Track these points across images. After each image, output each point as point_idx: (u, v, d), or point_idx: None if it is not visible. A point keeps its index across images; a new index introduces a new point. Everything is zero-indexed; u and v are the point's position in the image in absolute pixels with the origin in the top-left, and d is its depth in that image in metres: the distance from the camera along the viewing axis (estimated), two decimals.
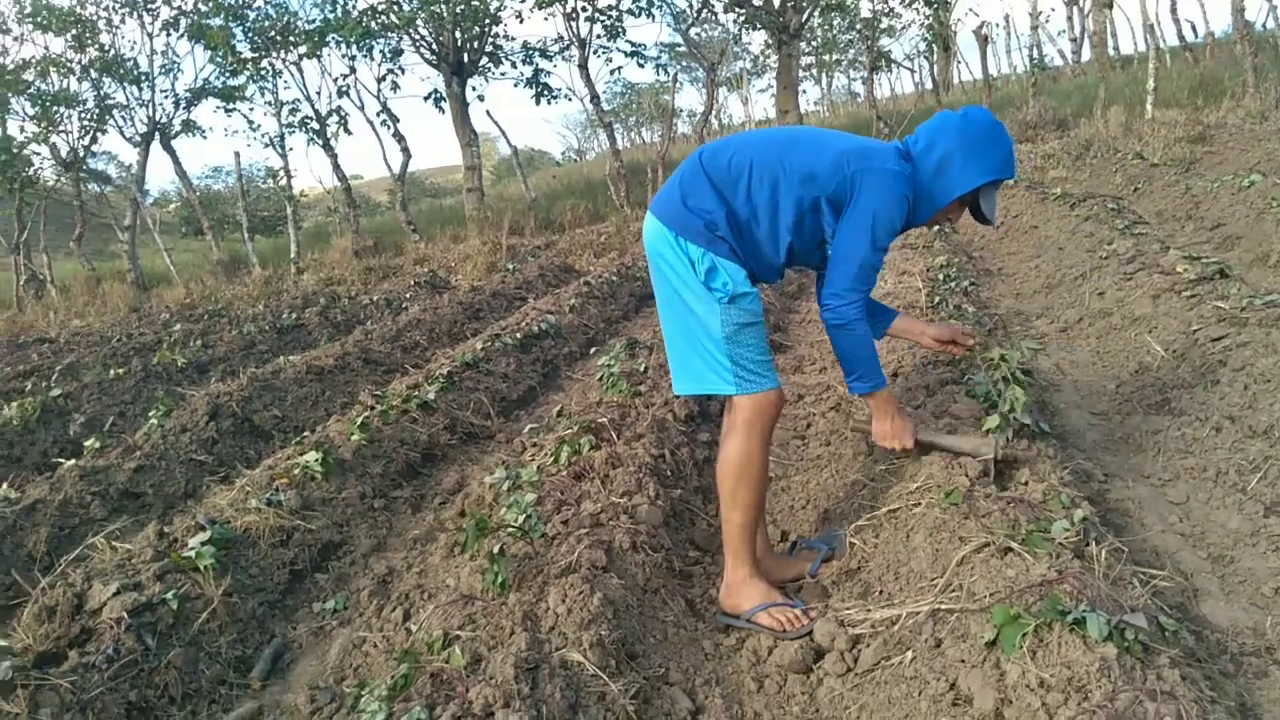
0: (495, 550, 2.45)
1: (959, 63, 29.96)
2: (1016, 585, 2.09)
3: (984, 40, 20.05)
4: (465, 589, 2.64)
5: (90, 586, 2.76)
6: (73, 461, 4.29)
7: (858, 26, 20.40)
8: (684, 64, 27.85)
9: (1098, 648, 1.80)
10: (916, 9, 16.84)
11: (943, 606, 2.19)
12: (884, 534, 2.77)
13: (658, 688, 2.31)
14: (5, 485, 4.06)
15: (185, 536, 3.10)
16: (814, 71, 36.09)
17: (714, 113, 20.31)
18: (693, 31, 17.71)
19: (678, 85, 17.59)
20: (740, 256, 2.50)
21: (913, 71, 34.43)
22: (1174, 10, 21.76)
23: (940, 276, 5.92)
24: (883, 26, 19.39)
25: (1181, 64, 18.93)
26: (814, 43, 28.35)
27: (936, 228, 8.42)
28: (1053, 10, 43.77)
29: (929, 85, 27.55)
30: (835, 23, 25.33)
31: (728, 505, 2.60)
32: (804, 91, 45.89)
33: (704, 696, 2.31)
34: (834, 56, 31.85)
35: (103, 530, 3.57)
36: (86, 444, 4.59)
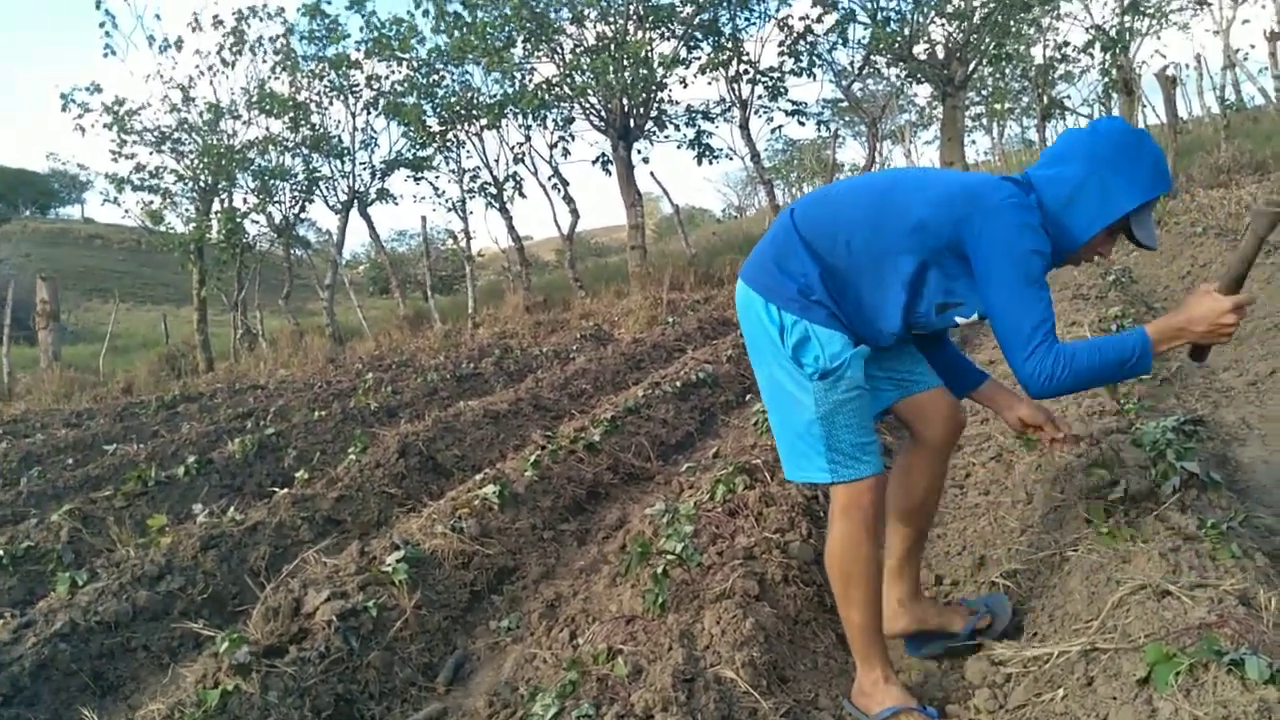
0: (659, 571, 2.65)
1: (1144, 106, 28.39)
2: (1173, 627, 2.07)
3: (1170, 82, 19.00)
4: (627, 611, 2.84)
5: (305, 593, 3.17)
6: (285, 490, 4.86)
7: (1030, 75, 19.83)
8: (846, 119, 27.86)
9: (1257, 689, 1.78)
10: (1092, 54, 16.25)
11: (1096, 646, 2.19)
12: (1040, 578, 2.77)
13: (807, 711, 2.42)
14: (231, 509, 4.65)
15: (382, 555, 3.49)
16: (984, 121, 35.14)
17: (876, 166, 20.23)
18: (855, 87, 17.85)
19: (840, 140, 17.68)
20: (842, 321, 2.22)
21: (1090, 118, 32.86)
22: None
23: (1113, 328, 5.70)
24: (1059, 73, 18.78)
25: None
26: (983, 92, 27.70)
27: (1103, 268, 8.03)
28: (1252, 47, 40.34)
29: None
30: (1006, 71, 24.73)
31: (843, 604, 2.34)
32: (973, 142, 44.61)
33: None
34: (1005, 105, 30.92)
35: (310, 550, 4.04)
36: (297, 475, 5.18)
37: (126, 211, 16.62)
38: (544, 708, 2.18)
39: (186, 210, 16.56)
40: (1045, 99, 17.12)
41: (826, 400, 2.19)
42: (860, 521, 2.24)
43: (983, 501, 3.78)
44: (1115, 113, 25.31)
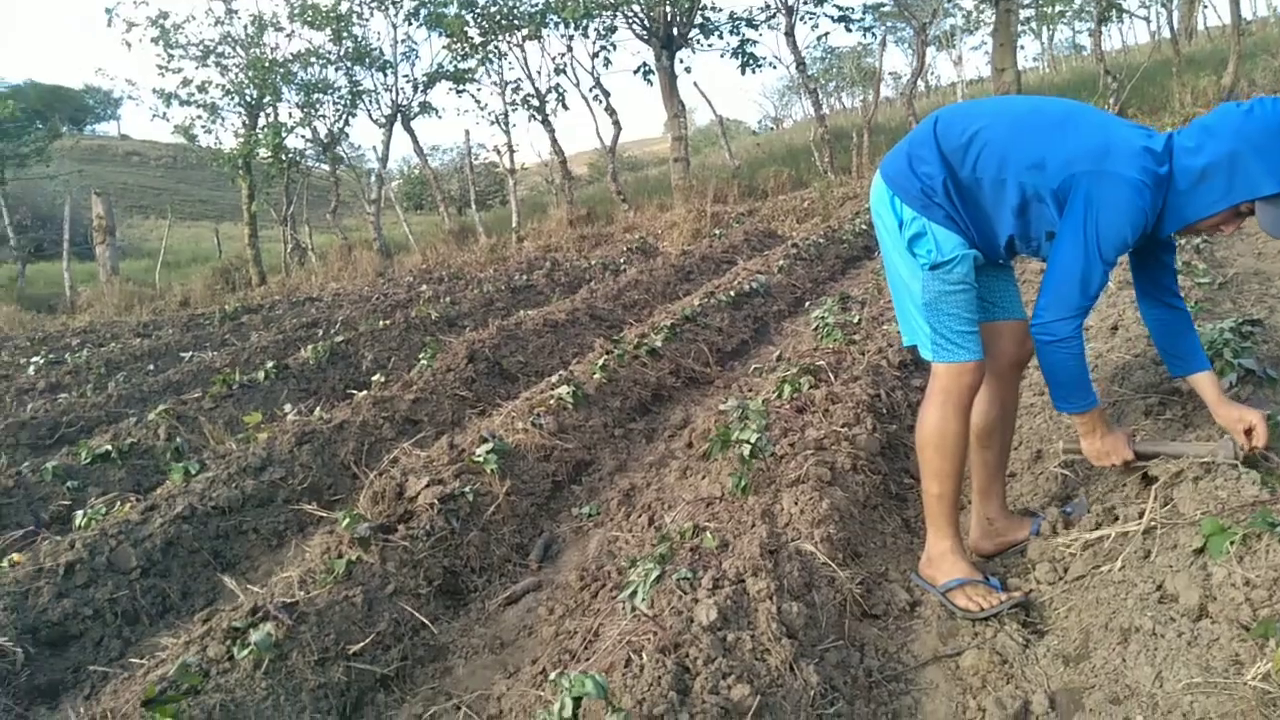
0: (744, 454, 2.86)
1: (1205, 6, 27.13)
2: (1228, 505, 2.24)
3: None
4: (705, 495, 3.07)
5: (406, 480, 3.44)
6: (365, 392, 5.13)
7: None
8: (889, 24, 26.97)
9: None
10: None
11: (1152, 524, 2.37)
12: (1096, 467, 2.94)
13: (879, 582, 2.65)
14: (318, 409, 4.95)
15: (471, 447, 3.75)
16: (1032, 25, 33.77)
17: (922, 74, 19.71)
18: None
19: (883, 47, 17.22)
20: (960, 224, 2.38)
21: (1147, 20, 31.46)
22: None
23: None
24: None
25: None
26: None
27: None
28: None
29: (1167, 34, 25.20)
30: None
31: (925, 475, 2.53)
32: (1022, 47, 42.99)
33: (920, 593, 2.62)
34: (1057, 8, 29.65)
35: (393, 447, 4.32)
36: (373, 379, 5.46)
37: (175, 127, 16.68)
38: (645, 572, 2.42)
39: (233, 125, 16.71)
40: (1102, 1, 16.46)
41: (932, 289, 2.38)
42: (956, 399, 2.44)
43: (1038, 401, 3.93)
44: (1177, 15, 24.24)
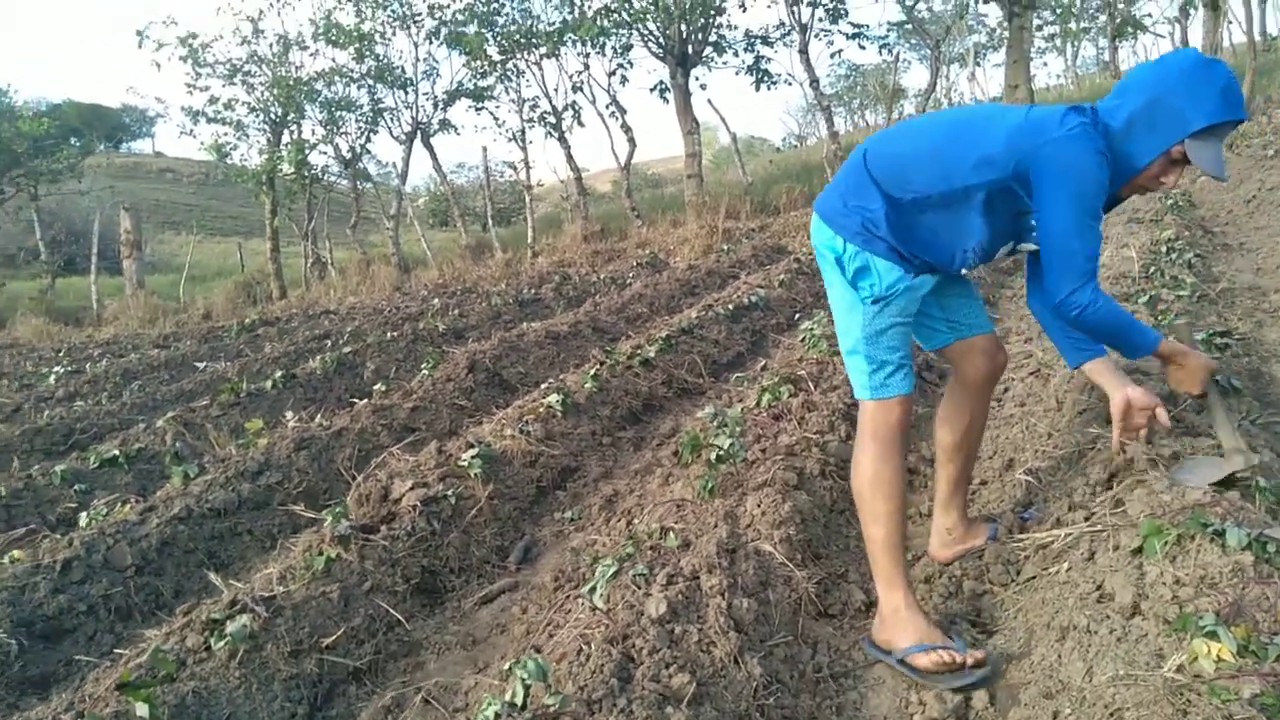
0: (712, 458, 2.94)
1: (1229, 23, 26.88)
2: (1170, 508, 2.29)
3: None
4: (677, 498, 3.15)
5: (392, 483, 3.55)
6: (365, 401, 5.26)
7: None
8: (911, 42, 27.03)
9: (1234, 554, 2.00)
10: None
11: (1099, 526, 2.43)
12: (1059, 473, 2.99)
13: (837, 583, 2.72)
14: (319, 416, 5.08)
15: (458, 452, 3.85)
16: (1057, 42, 33.66)
17: (940, 91, 19.74)
18: (920, 7, 17.36)
19: (905, 64, 17.28)
20: (904, 254, 2.35)
21: (1170, 38, 31.27)
22: None
23: (1164, 249, 5.75)
24: None
25: None
26: (1057, 10, 26.51)
27: (1166, 197, 7.85)
28: None
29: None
30: None
31: (866, 521, 2.43)
32: (1045, 64, 42.79)
33: (876, 593, 2.68)
34: (1080, 25, 29.55)
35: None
36: (375, 388, 5.59)
37: (202, 144, 17.07)
38: (605, 569, 2.50)
39: (258, 142, 17.08)
40: (1116, 17, 16.41)
41: (871, 324, 2.37)
42: (885, 438, 2.38)
43: (1018, 412, 3.98)
44: (1196, 29, 24.06)
